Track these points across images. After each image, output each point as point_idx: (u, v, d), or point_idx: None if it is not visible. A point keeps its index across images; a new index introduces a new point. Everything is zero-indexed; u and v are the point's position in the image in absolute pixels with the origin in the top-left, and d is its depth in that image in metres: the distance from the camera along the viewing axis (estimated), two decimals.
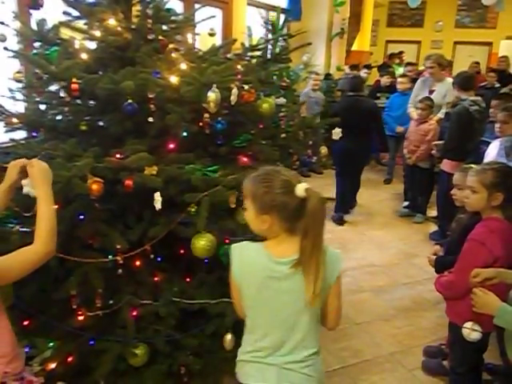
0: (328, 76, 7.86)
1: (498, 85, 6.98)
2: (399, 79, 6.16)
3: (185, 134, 2.10)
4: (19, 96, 2.37)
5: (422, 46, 12.75)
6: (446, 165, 4.15)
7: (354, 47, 9.94)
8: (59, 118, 2.27)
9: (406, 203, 5.31)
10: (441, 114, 5.04)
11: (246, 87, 2.24)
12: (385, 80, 7.03)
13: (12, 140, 2.18)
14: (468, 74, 4.53)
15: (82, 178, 1.67)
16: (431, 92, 5.18)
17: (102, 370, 1.93)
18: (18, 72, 2.34)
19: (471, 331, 1.88)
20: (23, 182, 1.52)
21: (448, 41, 12.52)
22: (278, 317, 1.45)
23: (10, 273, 1.31)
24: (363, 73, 7.36)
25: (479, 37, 12.02)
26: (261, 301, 1.46)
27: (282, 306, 1.44)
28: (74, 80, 1.87)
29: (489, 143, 3.63)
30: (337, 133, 2.59)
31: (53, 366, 1.86)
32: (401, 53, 9.85)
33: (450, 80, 5.19)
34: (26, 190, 1.52)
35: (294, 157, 2.60)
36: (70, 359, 1.94)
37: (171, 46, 2.32)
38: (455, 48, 12.50)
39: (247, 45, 2.81)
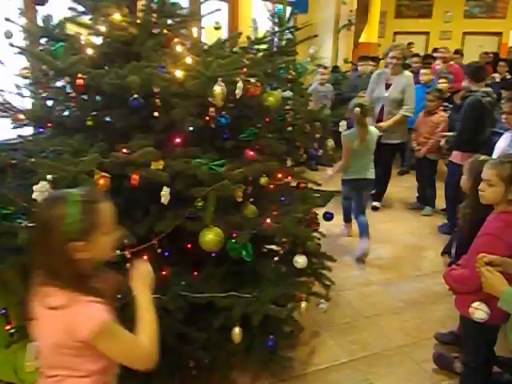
0: (335, 68, 7.81)
1: (509, 76, 6.88)
2: (422, 71, 5.91)
3: (191, 128, 2.10)
4: (26, 92, 2.38)
5: (431, 37, 12.63)
6: (456, 156, 4.10)
7: (362, 39, 9.87)
8: (66, 113, 2.28)
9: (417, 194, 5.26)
10: (404, 112, 4.70)
11: (252, 80, 2.23)
12: None
13: (19, 136, 2.19)
14: (478, 64, 4.41)
15: (89, 174, 1.68)
16: (388, 86, 4.82)
17: None
18: (24, 68, 2.36)
19: (479, 310, 1.87)
20: (35, 187, 1.57)
21: (457, 31, 12.38)
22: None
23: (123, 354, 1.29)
24: (369, 65, 7.27)
25: (489, 27, 11.88)
26: None
27: None
28: (80, 75, 1.88)
29: (501, 134, 3.60)
30: (343, 125, 2.59)
31: None
32: (410, 44, 9.74)
33: (407, 74, 4.86)
34: (35, 195, 1.58)
35: (300, 150, 2.59)
36: None
37: (176, 40, 2.31)
38: (464, 38, 12.36)
39: (253, 38, 2.79)
